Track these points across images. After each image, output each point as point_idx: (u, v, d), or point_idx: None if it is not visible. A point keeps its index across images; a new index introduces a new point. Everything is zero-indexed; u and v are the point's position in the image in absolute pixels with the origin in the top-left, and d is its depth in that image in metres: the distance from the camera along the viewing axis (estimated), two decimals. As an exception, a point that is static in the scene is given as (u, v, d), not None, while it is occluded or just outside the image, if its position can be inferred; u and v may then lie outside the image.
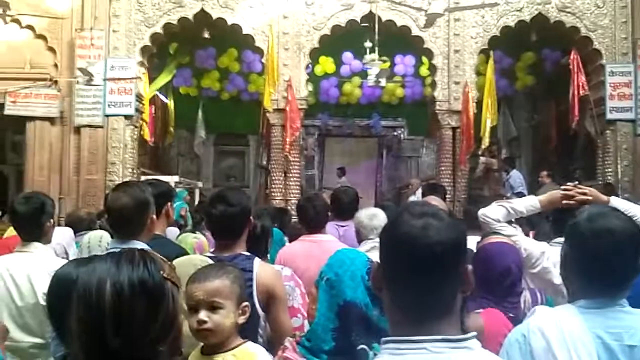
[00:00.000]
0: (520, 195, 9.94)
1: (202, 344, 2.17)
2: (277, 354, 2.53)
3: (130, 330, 1.27)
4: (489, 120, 10.09)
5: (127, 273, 1.31)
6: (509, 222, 3.21)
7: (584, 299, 1.81)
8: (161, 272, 1.35)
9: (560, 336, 1.72)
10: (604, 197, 3.12)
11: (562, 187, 3.21)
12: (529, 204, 3.20)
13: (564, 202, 3.04)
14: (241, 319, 2.18)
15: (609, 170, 10.11)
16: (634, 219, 2.25)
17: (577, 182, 3.20)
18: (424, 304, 1.31)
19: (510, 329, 2.45)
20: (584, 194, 3.06)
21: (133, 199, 2.73)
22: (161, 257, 1.42)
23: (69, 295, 1.35)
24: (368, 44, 10.17)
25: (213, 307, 2.11)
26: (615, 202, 2.97)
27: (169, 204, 3.35)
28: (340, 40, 11.06)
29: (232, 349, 2.15)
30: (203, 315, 2.09)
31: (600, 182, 9.72)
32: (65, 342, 1.58)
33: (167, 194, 3.36)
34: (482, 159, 11.97)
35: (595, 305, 1.79)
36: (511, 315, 2.67)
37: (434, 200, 4.57)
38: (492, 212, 3.16)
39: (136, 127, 10.43)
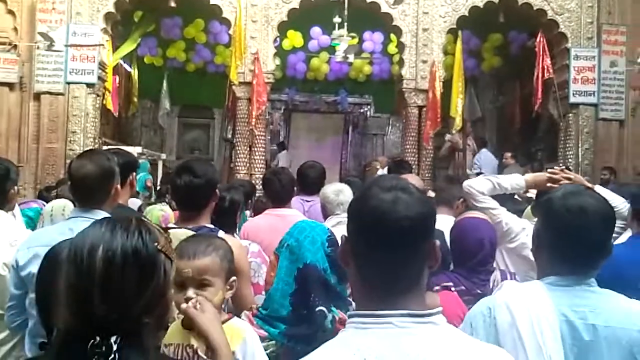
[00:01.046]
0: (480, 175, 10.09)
1: (182, 316, 2.12)
2: None
3: (118, 299, 1.25)
4: (460, 100, 10.14)
5: (121, 241, 1.28)
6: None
7: (552, 275, 1.83)
8: (156, 243, 1.33)
9: (526, 312, 1.73)
10: (588, 185, 3.18)
11: (549, 170, 3.27)
12: (515, 182, 3.27)
13: (549, 184, 3.09)
14: (229, 294, 2.14)
15: (570, 153, 10.28)
16: (616, 209, 2.28)
17: (564, 167, 3.27)
18: (391, 279, 1.30)
19: (465, 312, 2.49)
20: (569, 179, 3.12)
21: (98, 167, 2.66)
22: (159, 227, 1.40)
23: (55, 274, 1.33)
24: (337, 20, 10.09)
25: (202, 285, 2.05)
26: (599, 190, 3.02)
27: (134, 174, 3.30)
28: (309, 15, 10.96)
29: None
30: (191, 293, 2.02)
31: (561, 165, 9.89)
32: (47, 317, 1.55)
33: (133, 164, 3.30)
34: (447, 136, 12.02)
35: (564, 283, 1.81)
36: (479, 292, 2.72)
37: (412, 178, 4.54)
38: (478, 184, 3.23)
39: (98, 95, 10.20)
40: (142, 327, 1.30)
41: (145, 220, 1.40)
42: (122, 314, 1.26)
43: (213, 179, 2.90)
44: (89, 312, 1.25)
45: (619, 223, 2.42)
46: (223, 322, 2.11)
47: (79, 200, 2.72)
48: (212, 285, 2.06)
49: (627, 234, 3.29)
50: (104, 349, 1.23)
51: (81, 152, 4.84)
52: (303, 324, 2.38)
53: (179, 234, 2.55)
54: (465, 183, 3.31)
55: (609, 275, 1.87)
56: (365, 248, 1.33)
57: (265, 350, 2.25)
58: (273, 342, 2.39)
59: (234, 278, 2.16)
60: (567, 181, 3.08)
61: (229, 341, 2.04)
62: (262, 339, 2.31)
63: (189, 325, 2.08)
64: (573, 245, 1.80)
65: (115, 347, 1.23)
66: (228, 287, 2.13)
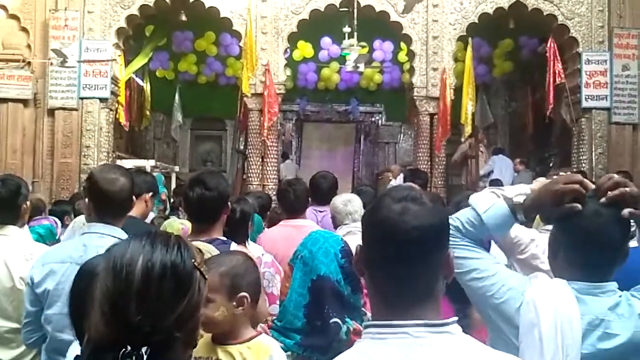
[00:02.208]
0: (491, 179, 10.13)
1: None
2: None
3: (153, 310, 1.27)
4: (470, 107, 10.13)
5: (161, 254, 1.31)
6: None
7: (574, 280, 1.81)
8: (193, 260, 1.35)
9: (552, 313, 1.70)
10: (593, 186, 3.14)
11: (555, 176, 3.23)
12: (521, 192, 3.22)
13: None
14: (238, 310, 2.11)
15: (584, 158, 10.22)
16: None
17: (568, 172, 3.22)
18: (404, 289, 1.30)
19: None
20: None
21: (129, 180, 2.67)
22: (197, 247, 1.43)
23: (90, 288, 1.36)
24: (347, 29, 10.13)
25: None
26: None
27: (151, 194, 3.38)
28: (319, 25, 11.00)
29: (247, 340, 2.11)
30: None
31: (574, 170, 9.83)
32: (80, 331, 1.56)
33: (155, 184, 3.38)
34: (466, 141, 11.91)
35: (589, 291, 1.78)
36: None
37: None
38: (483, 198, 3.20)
39: (111, 110, 10.29)
40: (172, 341, 1.31)
41: (181, 236, 1.43)
42: (155, 325, 1.27)
43: (225, 191, 2.91)
44: (124, 320, 1.26)
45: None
46: (251, 339, 2.12)
47: (103, 214, 2.66)
48: (212, 302, 2.06)
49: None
50: (134, 358, 1.25)
51: (97, 166, 4.83)
52: (318, 335, 2.38)
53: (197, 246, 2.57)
54: (471, 198, 3.29)
55: (623, 279, 1.85)
56: (376, 258, 1.34)
57: None
58: (289, 353, 2.39)
59: (242, 294, 2.12)
60: None
61: (256, 357, 2.06)
62: None
63: (219, 340, 2.10)
64: (589, 249, 1.78)
65: (145, 358, 1.25)
66: (235, 304, 2.12)
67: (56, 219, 4.94)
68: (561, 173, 3.09)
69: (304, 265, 2.45)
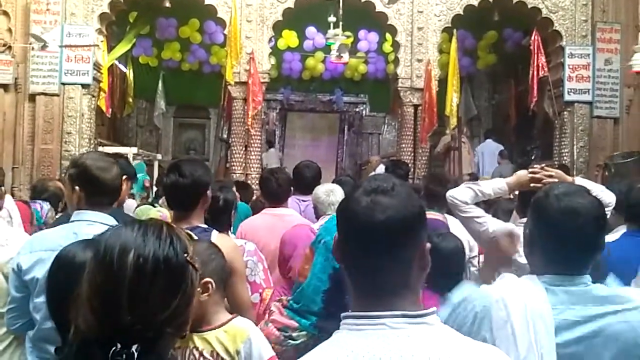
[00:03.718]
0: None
1: None
2: (264, 319, 2.53)
3: (144, 307, 1.22)
4: (455, 98, 10.15)
5: (153, 247, 1.25)
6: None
7: (547, 274, 1.83)
8: (185, 254, 1.30)
9: (522, 308, 1.73)
10: (570, 178, 3.17)
11: (530, 169, 3.24)
12: (497, 186, 3.23)
13: (532, 184, 3.07)
14: (203, 297, 2.11)
15: (566, 151, 10.29)
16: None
17: (543, 165, 3.24)
18: (377, 281, 1.30)
19: None
20: (551, 176, 3.10)
21: (118, 167, 2.67)
22: (187, 235, 1.37)
23: (70, 277, 1.30)
24: (332, 19, 10.08)
25: None
26: (580, 182, 3.02)
27: (125, 176, 3.34)
28: (304, 14, 10.96)
29: (222, 325, 2.10)
30: None
31: (556, 163, 9.91)
32: (62, 320, 1.51)
33: (126, 166, 3.34)
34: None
35: (560, 283, 1.80)
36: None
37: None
38: (460, 194, 3.20)
39: (94, 96, 10.17)
40: (164, 337, 1.27)
41: (174, 226, 1.38)
42: (146, 323, 1.23)
43: (200, 179, 2.86)
44: (115, 317, 1.22)
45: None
46: (225, 323, 2.11)
47: (96, 202, 2.64)
48: None
49: (622, 229, 3.31)
50: (124, 357, 1.20)
51: (85, 153, 4.74)
52: (334, 320, 2.38)
53: None
54: (448, 194, 3.29)
55: (601, 273, 1.87)
56: (348, 250, 1.34)
57: (296, 340, 2.26)
58: (304, 332, 2.40)
59: (207, 279, 2.11)
60: (549, 179, 3.06)
61: (233, 341, 2.05)
62: (293, 330, 2.31)
63: (194, 328, 2.09)
64: (567, 246, 1.80)
65: (135, 356, 1.21)
66: (200, 290, 2.11)
67: (42, 203, 4.91)
68: (535, 165, 3.12)
69: (326, 251, 2.45)
